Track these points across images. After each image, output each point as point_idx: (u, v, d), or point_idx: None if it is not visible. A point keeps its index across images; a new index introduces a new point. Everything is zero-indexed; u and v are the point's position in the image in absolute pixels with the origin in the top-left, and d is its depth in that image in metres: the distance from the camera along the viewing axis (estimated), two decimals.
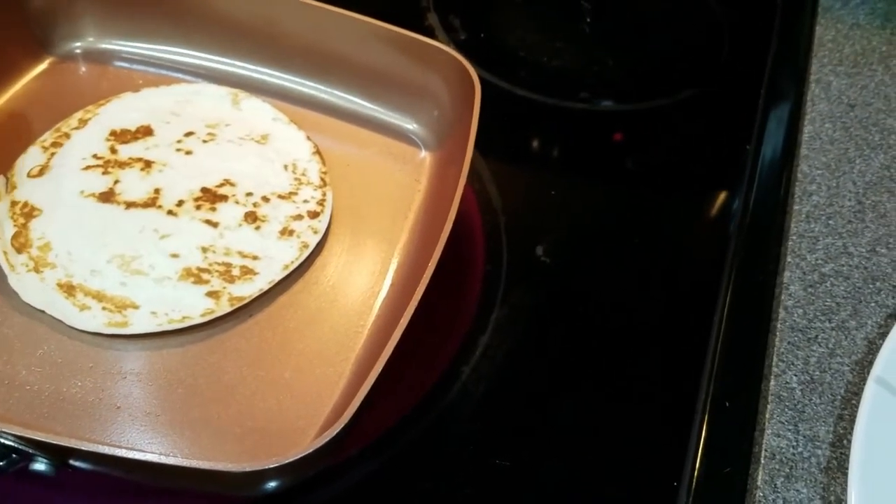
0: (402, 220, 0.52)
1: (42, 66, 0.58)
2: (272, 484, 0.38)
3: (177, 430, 0.41)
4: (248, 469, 0.34)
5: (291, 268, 0.47)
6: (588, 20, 0.70)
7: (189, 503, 0.40)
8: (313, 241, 0.49)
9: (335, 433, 0.35)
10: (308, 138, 0.54)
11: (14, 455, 0.35)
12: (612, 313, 0.49)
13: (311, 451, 0.35)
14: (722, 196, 0.58)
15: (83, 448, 0.33)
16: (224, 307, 0.45)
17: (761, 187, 0.58)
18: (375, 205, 0.52)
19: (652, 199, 0.57)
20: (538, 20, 0.70)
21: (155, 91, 0.55)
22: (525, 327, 0.48)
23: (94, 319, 0.43)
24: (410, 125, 0.56)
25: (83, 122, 0.52)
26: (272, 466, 0.34)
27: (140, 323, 0.44)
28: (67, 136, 0.51)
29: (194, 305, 0.44)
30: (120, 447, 0.34)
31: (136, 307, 0.44)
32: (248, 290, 0.46)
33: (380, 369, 0.37)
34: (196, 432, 0.41)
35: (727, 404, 0.45)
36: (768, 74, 0.67)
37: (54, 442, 0.33)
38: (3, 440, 0.34)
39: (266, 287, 0.46)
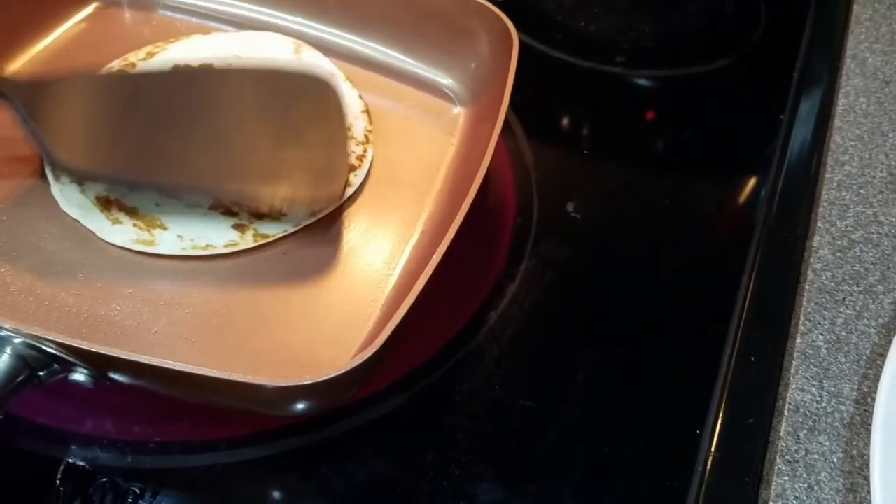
0: (434, 173, 0.52)
1: (87, 10, 0.59)
2: (301, 405, 0.39)
3: (212, 356, 0.42)
4: (281, 384, 0.35)
5: (319, 215, 0.48)
6: None
7: (219, 427, 0.41)
8: (346, 193, 0.49)
9: (365, 359, 0.36)
10: (360, 97, 0.54)
11: (55, 365, 0.36)
12: (640, 269, 0.50)
13: (341, 372, 0.35)
14: (755, 162, 0.58)
15: (124, 357, 0.34)
16: (248, 241, 0.45)
17: (794, 155, 0.58)
18: (408, 157, 0.53)
19: (685, 162, 0.57)
20: None
21: (224, 35, 0.57)
22: (553, 278, 0.49)
23: (125, 235, 0.45)
24: (445, 80, 0.57)
25: (150, 55, 0.53)
26: (304, 384, 0.35)
27: (166, 244, 0.45)
28: (133, 65, 0.53)
29: (219, 235, 0.45)
30: (151, 357, 0.35)
31: (164, 228, 0.45)
32: (273, 229, 0.46)
33: (410, 302, 0.38)
34: (230, 359, 0.42)
35: (752, 359, 0.46)
36: (804, 48, 0.67)
37: (96, 350, 0.34)
38: (45, 348, 0.35)
39: (291, 229, 0.47)
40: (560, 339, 0.46)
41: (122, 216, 0.45)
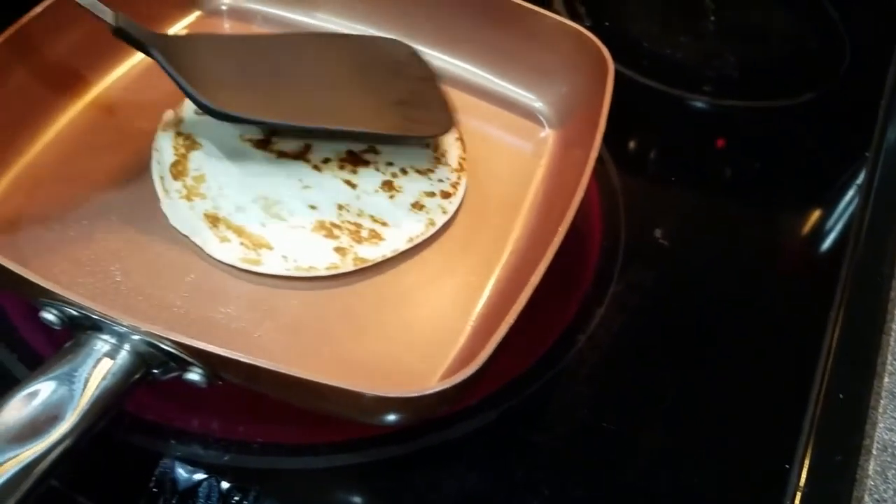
0: (522, 194, 0.53)
1: (190, 19, 0.61)
2: (397, 416, 0.40)
3: (310, 363, 0.43)
4: (385, 395, 0.36)
5: (416, 241, 0.49)
6: (711, 18, 0.71)
7: (320, 432, 0.42)
8: (440, 220, 0.50)
9: (462, 379, 0.37)
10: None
11: (171, 363, 0.37)
12: (728, 299, 0.50)
13: (438, 389, 0.36)
14: (840, 197, 0.58)
15: (241, 360, 0.35)
16: (348, 265, 0.47)
17: (880, 192, 0.58)
18: (497, 177, 0.54)
19: (770, 194, 0.57)
20: (662, 14, 0.71)
21: None
22: (641, 304, 0.49)
23: (231, 252, 0.46)
24: (536, 103, 0.58)
25: None
26: (407, 396, 0.36)
27: (271, 264, 0.46)
28: None
29: (321, 258, 0.47)
30: (267, 361, 0.36)
31: (269, 248, 0.46)
32: (372, 253, 0.47)
33: (510, 324, 0.38)
34: (327, 366, 0.43)
35: (840, 396, 0.46)
36: (889, 84, 0.67)
37: (214, 351, 0.36)
38: (163, 346, 0.37)
39: (389, 255, 0.48)
40: (647, 364, 0.47)
41: (229, 234, 0.46)
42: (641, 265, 0.51)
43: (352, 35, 0.59)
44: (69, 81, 0.53)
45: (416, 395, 0.36)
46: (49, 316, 0.38)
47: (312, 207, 0.48)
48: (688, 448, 0.44)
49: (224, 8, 0.62)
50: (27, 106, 0.50)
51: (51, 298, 0.37)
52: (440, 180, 0.52)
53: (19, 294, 0.42)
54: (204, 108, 0.46)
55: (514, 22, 0.57)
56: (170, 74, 0.46)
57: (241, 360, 0.36)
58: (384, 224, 0.49)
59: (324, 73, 0.53)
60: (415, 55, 0.56)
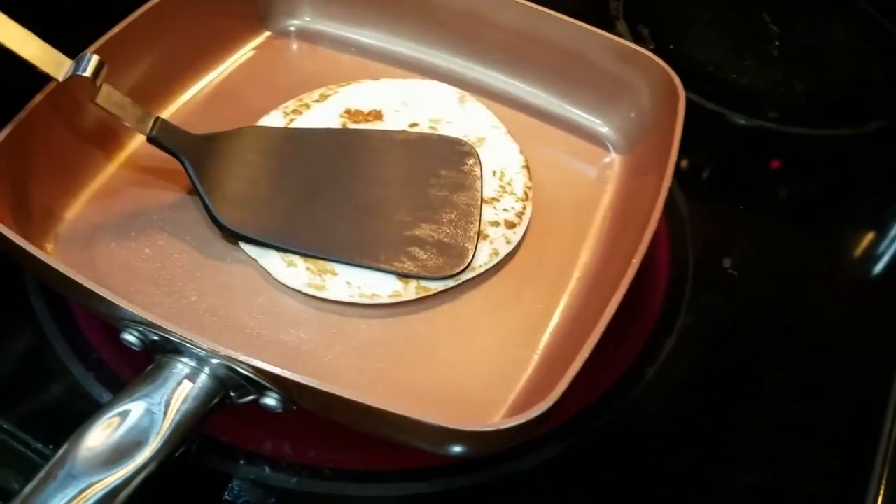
0: (588, 220, 0.52)
1: (259, 40, 0.61)
2: (464, 449, 0.39)
3: (379, 388, 0.43)
4: (463, 429, 0.36)
5: (479, 271, 0.48)
6: (777, 43, 0.70)
7: (389, 459, 0.42)
8: (504, 250, 0.50)
9: (536, 415, 0.36)
10: (521, 152, 0.55)
11: (249, 387, 0.38)
12: (800, 331, 0.49)
13: (513, 424, 0.36)
14: None
15: (319, 387, 0.36)
16: (410, 294, 0.47)
17: None
18: (562, 203, 0.53)
19: (840, 225, 0.56)
20: (726, 38, 0.70)
21: (392, 82, 0.58)
22: (711, 335, 0.48)
23: (298, 278, 0.46)
24: (602, 127, 0.58)
25: (324, 97, 0.56)
26: (482, 430, 0.36)
27: (335, 290, 0.46)
28: (308, 106, 0.55)
29: (385, 286, 0.47)
30: (345, 389, 0.36)
31: (334, 274, 0.47)
32: (436, 283, 0.47)
33: (585, 357, 0.38)
34: (396, 392, 0.43)
35: None
36: None
37: (292, 378, 0.36)
38: (241, 370, 0.37)
39: (452, 284, 0.48)
40: (717, 399, 0.46)
41: (295, 258, 0.47)
42: (711, 296, 0.50)
43: (412, 137, 0.55)
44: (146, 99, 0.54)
45: (491, 429, 0.36)
46: (130, 338, 0.38)
47: None
48: (759, 486, 0.43)
49: (292, 29, 0.63)
50: (103, 124, 0.51)
51: (134, 321, 0.38)
52: (505, 209, 0.52)
53: (101, 315, 0.43)
54: (218, 226, 0.47)
55: (579, 45, 0.57)
56: (194, 185, 0.47)
57: (319, 387, 0.36)
58: None
59: (360, 184, 0.51)
60: (474, 166, 0.52)
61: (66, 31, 0.45)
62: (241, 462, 0.42)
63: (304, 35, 0.63)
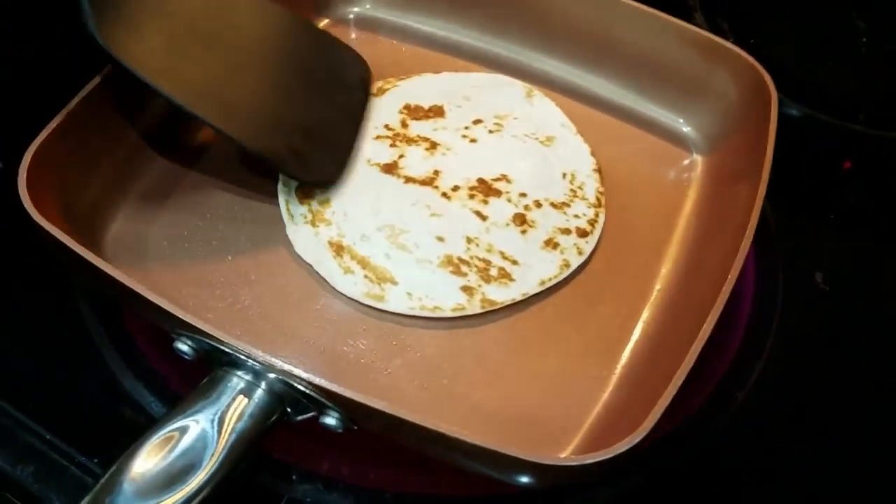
0: (669, 227, 0.48)
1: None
2: (531, 480, 0.36)
3: (444, 407, 0.40)
4: (543, 462, 0.33)
5: (548, 284, 0.45)
6: (864, 40, 0.65)
7: (454, 485, 0.39)
8: (575, 261, 0.46)
9: (624, 449, 0.33)
10: (592, 154, 0.51)
11: (308, 404, 0.35)
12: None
13: (593, 461, 0.32)
14: None
15: (384, 410, 0.33)
16: (475, 307, 0.43)
17: None
18: (639, 205, 0.50)
19: None
20: (810, 34, 0.66)
21: (453, 75, 0.55)
22: (803, 357, 0.44)
23: (355, 286, 0.43)
24: (683, 126, 0.54)
25: (381, 91, 0.53)
26: (568, 465, 0.33)
27: (395, 301, 0.43)
28: None
29: (447, 297, 0.43)
30: (410, 413, 0.33)
31: (394, 283, 0.43)
32: (501, 294, 0.44)
33: (679, 383, 0.35)
34: (462, 412, 0.40)
35: None
36: None
37: (356, 399, 0.33)
38: (299, 387, 0.34)
39: (519, 298, 0.44)
40: (812, 429, 0.42)
41: (353, 265, 0.44)
42: (803, 314, 0.46)
43: (314, 28, 0.54)
44: None
45: (572, 464, 0.33)
46: (183, 347, 0.36)
47: (440, 239, 0.45)
48: None
49: (351, 17, 0.59)
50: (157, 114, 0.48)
51: (187, 330, 0.35)
52: (576, 216, 0.48)
53: (152, 321, 0.41)
54: (91, 38, 0.38)
55: (658, 37, 0.53)
56: None
57: (384, 409, 0.33)
58: (514, 262, 0.45)
59: (256, 59, 0.47)
60: (364, 80, 0.52)
61: None
62: (294, 480, 0.39)
63: (364, 23, 0.59)
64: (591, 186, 0.50)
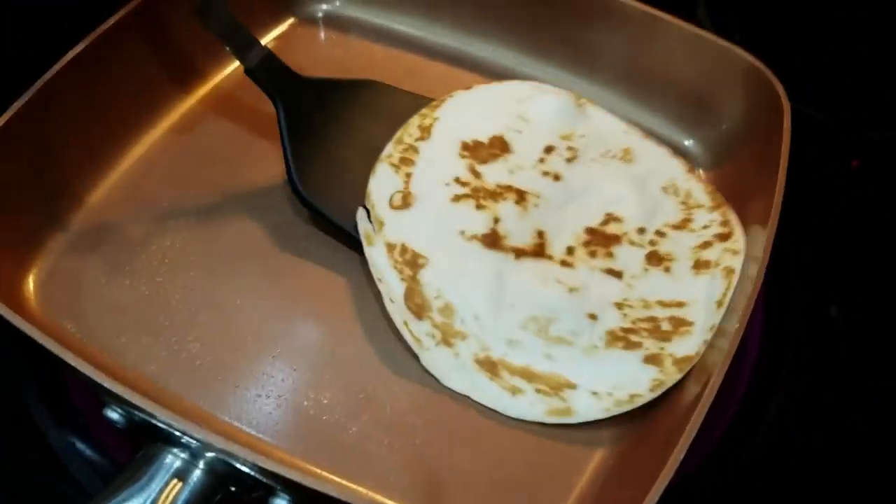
0: None
1: (283, 28, 0.54)
2: None
3: (415, 471, 0.35)
4: None
5: (726, 303, 0.38)
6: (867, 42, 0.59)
7: None
8: (737, 263, 0.39)
9: None
10: (674, 154, 0.46)
11: (255, 485, 0.30)
12: None
13: None
14: None
15: (329, 493, 0.28)
16: (672, 373, 0.37)
17: None
18: None
19: None
20: (825, 30, 0.60)
21: (489, 88, 0.49)
22: (818, 398, 0.40)
23: (532, 407, 0.37)
24: (686, 140, 0.49)
25: (426, 131, 0.45)
26: None
27: (584, 409, 0.37)
28: (415, 149, 0.45)
29: (636, 378, 0.37)
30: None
31: (572, 387, 0.37)
32: (690, 345, 0.37)
33: (684, 451, 0.30)
34: (437, 478, 0.35)
35: None
36: None
37: (305, 483, 0.28)
38: (239, 466, 0.30)
39: (710, 336, 0.37)
40: (831, 463, 0.38)
41: (517, 381, 0.37)
42: (815, 350, 0.42)
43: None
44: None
45: None
46: (114, 415, 0.32)
47: (591, 317, 0.39)
48: None
49: (320, 15, 0.55)
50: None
51: (112, 396, 0.30)
52: (704, 227, 0.42)
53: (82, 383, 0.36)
54: (297, 194, 0.41)
55: (658, 40, 0.48)
56: (281, 139, 0.41)
57: (335, 496, 0.28)
58: (680, 304, 0.39)
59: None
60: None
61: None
62: None
63: (334, 22, 0.55)
64: (699, 189, 0.44)
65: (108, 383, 0.30)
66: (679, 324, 0.38)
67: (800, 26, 0.61)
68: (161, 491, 0.29)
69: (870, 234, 0.48)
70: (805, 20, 0.62)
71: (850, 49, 0.59)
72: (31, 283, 0.40)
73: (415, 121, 0.46)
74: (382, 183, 0.43)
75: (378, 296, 0.39)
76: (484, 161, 0.44)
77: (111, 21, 0.42)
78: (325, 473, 0.34)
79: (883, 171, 0.52)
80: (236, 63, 0.43)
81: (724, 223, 0.42)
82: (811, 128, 0.52)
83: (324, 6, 0.54)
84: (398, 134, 0.45)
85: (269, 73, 0.42)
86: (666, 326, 0.38)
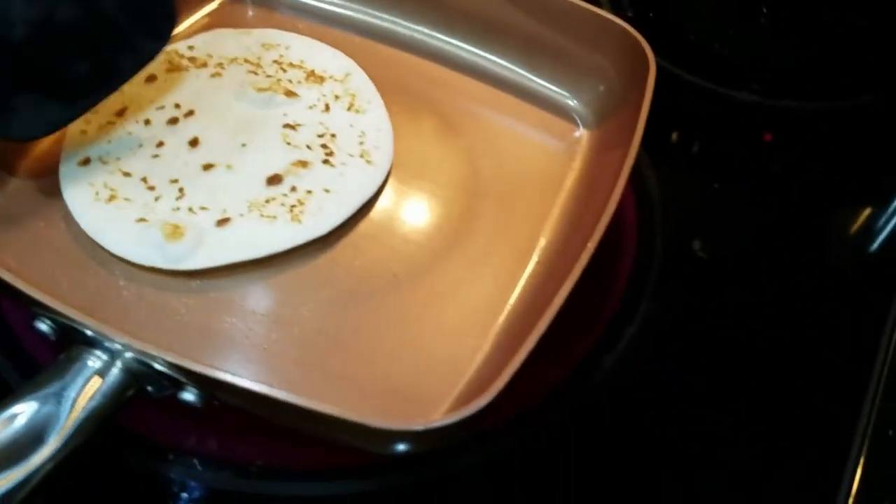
0: (552, 197, 0.49)
1: (212, 6, 0.58)
2: (403, 447, 0.37)
3: (318, 381, 0.40)
4: (391, 428, 0.33)
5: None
6: (764, 10, 0.66)
7: (325, 457, 0.40)
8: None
9: (471, 413, 0.34)
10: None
11: (165, 382, 0.35)
12: (770, 320, 0.46)
13: (445, 423, 0.34)
14: None
15: (234, 383, 0.33)
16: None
17: None
18: (524, 179, 0.50)
19: (823, 204, 0.53)
20: (711, 5, 0.67)
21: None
22: (675, 325, 0.46)
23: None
24: (571, 101, 0.54)
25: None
26: (415, 429, 0.33)
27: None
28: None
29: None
30: (264, 385, 0.33)
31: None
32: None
33: (529, 349, 0.36)
34: (336, 386, 0.40)
35: (890, 433, 0.42)
36: None
37: (206, 373, 0.33)
38: (155, 365, 0.34)
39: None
40: (682, 393, 0.43)
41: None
42: (677, 282, 0.48)
43: None
44: None
45: (422, 428, 0.34)
46: (43, 326, 0.36)
47: None
48: (726, 487, 0.40)
49: None
50: None
51: (42, 308, 0.35)
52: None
53: (15, 300, 0.41)
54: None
55: (548, 13, 0.53)
56: None
57: (236, 384, 0.33)
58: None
59: None
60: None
61: None
62: (171, 460, 0.40)
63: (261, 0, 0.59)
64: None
65: (38, 294, 0.34)
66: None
67: (693, 3, 0.67)
68: (83, 385, 0.34)
69: (736, 175, 0.54)
70: None
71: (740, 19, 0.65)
72: None
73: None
74: None
75: None
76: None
77: None
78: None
79: (758, 128, 0.58)
80: None
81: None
82: (690, 91, 0.59)
83: None
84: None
85: None
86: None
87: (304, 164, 0.47)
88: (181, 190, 0.45)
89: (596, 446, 0.42)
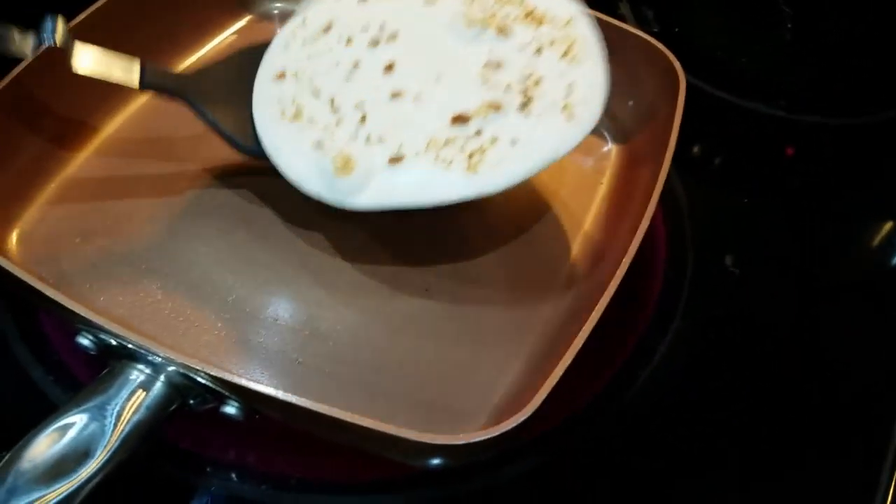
0: (582, 214, 0.50)
1: (240, 24, 0.59)
2: (438, 461, 0.37)
3: (351, 394, 0.41)
4: (433, 442, 0.33)
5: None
6: (789, 26, 0.66)
7: (360, 470, 0.40)
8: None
9: (510, 427, 0.34)
10: None
11: (208, 395, 0.36)
12: (806, 337, 0.46)
13: (484, 438, 0.34)
14: None
15: (278, 397, 0.33)
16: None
17: None
18: (554, 195, 0.51)
19: (854, 218, 0.53)
20: (736, 21, 0.67)
21: None
22: (709, 341, 0.46)
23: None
24: None
25: None
26: (451, 444, 0.34)
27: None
28: None
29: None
30: (305, 400, 0.34)
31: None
32: None
33: (565, 367, 0.36)
34: (368, 399, 0.41)
35: None
36: None
37: (249, 387, 0.34)
38: (198, 379, 0.35)
39: None
40: (713, 412, 0.43)
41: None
42: (710, 298, 0.48)
43: None
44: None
45: (461, 442, 0.34)
46: (85, 342, 0.36)
47: None
48: (759, 500, 0.40)
49: (276, 11, 0.60)
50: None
51: (85, 324, 0.36)
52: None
53: (57, 317, 0.41)
54: (243, 150, 0.45)
55: None
56: (206, 119, 0.45)
57: (278, 397, 0.34)
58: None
59: None
60: None
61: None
62: (208, 471, 0.40)
63: (288, 17, 0.59)
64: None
65: (82, 310, 0.35)
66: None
67: (717, 15, 0.68)
68: (127, 399, 0.34)
69: (766, 189, 0.54)
70: (723, 9, 0.68)
71: (765, 34, 0.66)
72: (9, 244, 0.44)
73: None
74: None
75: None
76: None
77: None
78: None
79: (786, 144, 0.59)
80: None
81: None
82: (720, 107, 0.59)
83: (278, 4, 0.60)
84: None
85: (160, 78, 0.45)
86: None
87: (496, 106, 0.41)
88: (364, 117, 0.42)
89: (628, 463, 0.42)
